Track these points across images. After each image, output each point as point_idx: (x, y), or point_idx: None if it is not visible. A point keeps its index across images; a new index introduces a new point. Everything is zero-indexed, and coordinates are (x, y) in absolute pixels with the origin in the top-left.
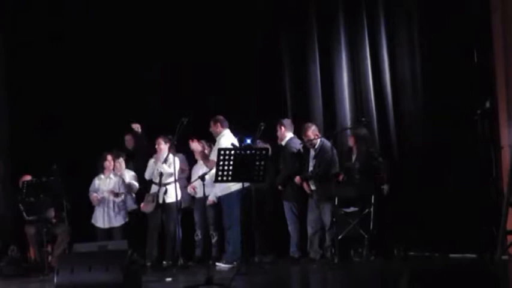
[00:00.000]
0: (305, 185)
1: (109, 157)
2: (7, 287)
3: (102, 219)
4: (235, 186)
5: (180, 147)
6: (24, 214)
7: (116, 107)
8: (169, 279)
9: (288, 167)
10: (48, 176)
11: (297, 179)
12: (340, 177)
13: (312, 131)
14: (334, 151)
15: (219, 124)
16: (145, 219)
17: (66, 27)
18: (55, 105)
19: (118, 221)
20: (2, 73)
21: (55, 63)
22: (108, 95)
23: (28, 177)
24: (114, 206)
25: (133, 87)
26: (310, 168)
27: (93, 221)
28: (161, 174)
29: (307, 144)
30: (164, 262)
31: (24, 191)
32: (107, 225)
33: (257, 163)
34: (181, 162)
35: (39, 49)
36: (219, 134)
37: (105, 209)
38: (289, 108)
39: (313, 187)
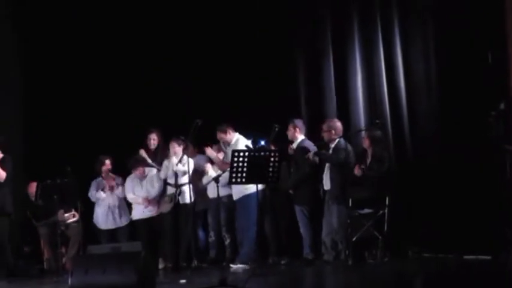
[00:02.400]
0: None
1: (107, 161)
2: (22, 287)
3: (105, 220)
4: (252, 189)
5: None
6: (34, 221)
7: (131, 109)
8: (183, 281)
9: (300, 170)
10: (62, 177)
11: (310, 155)
12: (356, 170)
13: (329, 124)
14: (350, 149)
15: (229, 130)
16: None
17: (79, 28)
18: (69, 107)
19: (122, 222)
20: (16, 74)
21: (69, 64)
22: (122, 97)
23: (34, 185)
24: (117, 206)
25: (147, 89)
26: (326, 171)
27: (95, 222)
28: (176, 175)
29: (322, 136)
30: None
31: (38, 193)
32: (110, 227)
33: (271, 164)
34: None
35: (53, 50)
36: (231, 140)
37: (108, 209)
38: (303, 110)
39: (325, 187)
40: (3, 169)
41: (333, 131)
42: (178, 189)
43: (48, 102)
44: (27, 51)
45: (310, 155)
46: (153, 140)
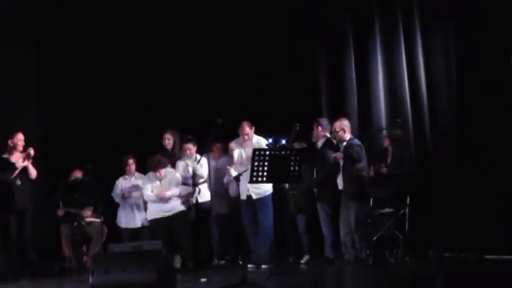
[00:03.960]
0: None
1: (130, 161)
2: (43, 286)
3: (128, 219)
4: (270, 188)
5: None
6: (61, 203)
7: (150, 108)
8: (203, 279)
9: (325, 169)
10: (84, 176)
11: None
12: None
13: (340, 125)
14: (363, 152)
15: (253, 127)
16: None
17: (97, 30)
18: (89, 105)
19: (146, 221)
20: (34, 74)
21: (87, 63)
22: (141, 96)
23: (78, 173)
24: (141, 205)
25: (166, 88)
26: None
27: (118, 221)
28: (194, 175)
29: (334, 136)
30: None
31: (60, 191)
32: (133, 225)
33: (292, 163)
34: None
35: (71, 50)
36: (252, 135)
37: (131, 208)
38: (324, 110)
39: (340, 187)
40: (35, 168)
41: (345, 130)
42: (198, 189)
43: (68, 100)
44: (45, 51)
45: (337, 156)
46: (168, 139)
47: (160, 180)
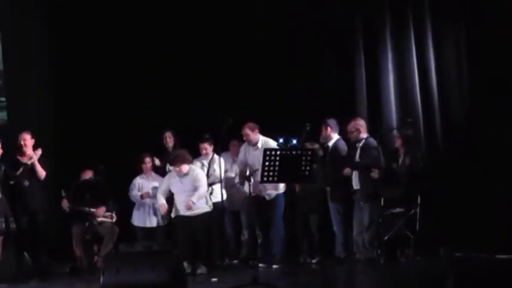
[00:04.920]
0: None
1: (147, 159)
2: (54, 286)
3: (144, 218)
4: (283, 188)
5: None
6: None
7: (161, 107)
8: (215, 279)
9: (338, 169)
10: (95, 176)
11: (346, 170)
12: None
13: (354, 125)
14: (380, 151)
15: (256, 130)
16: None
17: (109, 28)
18: (101, 106)
19: (163, 221)
20: (46, 73)
21: (98, 62)
22: (152, 96)
23: (89, 173)
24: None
25: (177, 87)
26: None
27: (133, 221)
28: (208, 175)
29: (349, 137)
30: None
31: (71, 191)
32: (148, 225)
33: (303, 163)
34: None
35: (82, 48)
36: (256, 140)
37: (146, 208)
38: (334, 110)
39: (355, 187)
40: (44, 168)
41: (361, 130)
42: (211, 188)
43: (79, 100)
44: (58, 52)
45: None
46: (169, 138)
47: (181, 177)
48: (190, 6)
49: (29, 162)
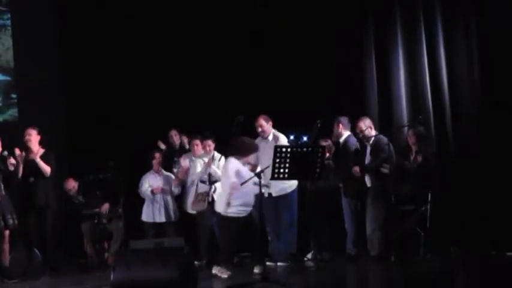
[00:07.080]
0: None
1: (157, 155)
2: (64, 283)
3: (154, 214)
4: (294, 185)
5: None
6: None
7: (172, 104)
8: (225, 276)
9: (349, 165)
10: (105, 172)
11: (355, 169)
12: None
13: (364, 123)
14: (391, 148)
15: (271, 123)
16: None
17: (122, 27)
18: (112, 103)
19: (173, 217)
20: (59, 72)
21: (111, 61)
22: (163, 93)
23: (72, 182)
24: (166, 200)
25: (187, 85)
26: None
27: (142, 217)
28: (210, 174)
29: (361, 137)
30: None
31: (80, 188)
32: (157, 220)
33: (314, 160)
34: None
35: (94, 46)
36: (269, 132)
37: (157, 203)
38: (345, 107)
39: (368, 184)
40: (48, 165)
41: (371, 127)
42: (214, 187)
43: (91, 98)
44: (70, 50)
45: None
46: (175, 135)
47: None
48: (202, 2)
49: (29, 159)
